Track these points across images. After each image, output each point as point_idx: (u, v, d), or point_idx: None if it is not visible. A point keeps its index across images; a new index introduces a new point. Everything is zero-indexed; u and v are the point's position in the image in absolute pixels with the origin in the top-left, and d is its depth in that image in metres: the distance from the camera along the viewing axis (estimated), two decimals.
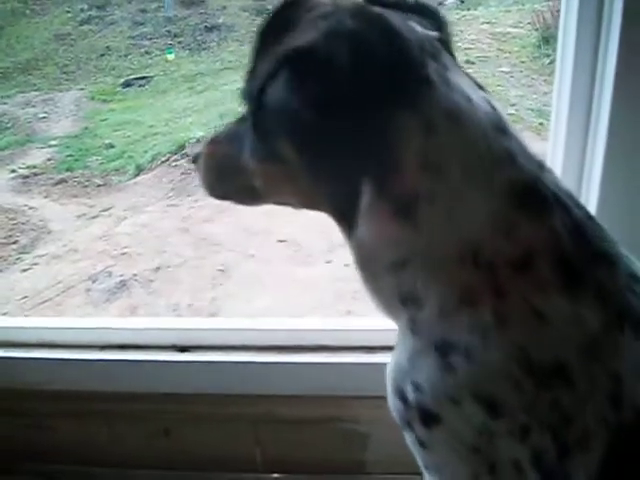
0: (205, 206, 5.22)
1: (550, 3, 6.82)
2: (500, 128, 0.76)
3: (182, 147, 6.18)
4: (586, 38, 1.26)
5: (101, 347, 1.70)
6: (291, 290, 4.12)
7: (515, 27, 7.57)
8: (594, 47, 1.26)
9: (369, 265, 0.81)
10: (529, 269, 0.72)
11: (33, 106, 8.08)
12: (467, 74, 0.82)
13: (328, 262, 4.33)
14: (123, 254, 4.80)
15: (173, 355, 1.66)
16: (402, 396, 0.78)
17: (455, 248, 0.73)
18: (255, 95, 0.78)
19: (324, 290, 4.07)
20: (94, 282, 4.48)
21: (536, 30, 7.11)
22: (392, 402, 0.82)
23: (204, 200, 5.35)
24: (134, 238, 5.00)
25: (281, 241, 4.63)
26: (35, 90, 8.54)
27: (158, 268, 4.57)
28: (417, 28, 0.79)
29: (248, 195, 0.94)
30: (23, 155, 6.87)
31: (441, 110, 0.73)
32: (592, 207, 1.31)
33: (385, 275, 0.78)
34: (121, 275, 4.51)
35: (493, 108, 0.78)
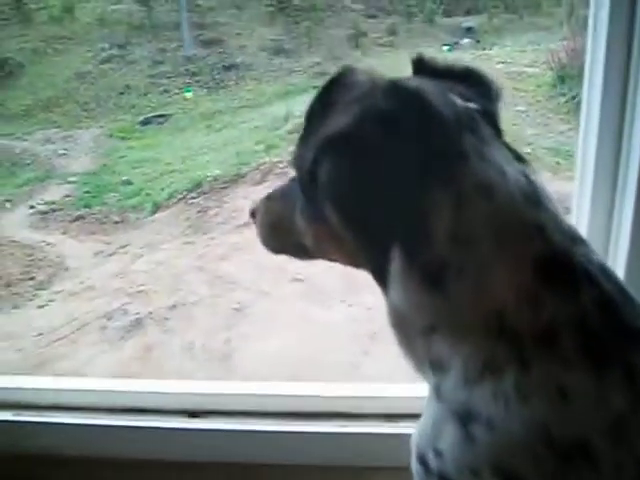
0: (221, 244, 5.24)
1: (565, 43, 6.85)
2: (533, 201, 0.77)
3: (199, 185, 6.23)
4: (614, 75, 1.25)
5: (109, 410, 1.65)
6: (306, 330, 4.10)
7: (530, 66, 7.62)
8: (623, 83, 1.24)
9: (402, 327, 0.81)
10: (554, 344, 0.71)
11: (53, 143, 8.19)
12: (507, 145, 0.83)
13: (344, 303, 4.31)
14: (139, 292, 4.81)
15: (183, 422, 1.62)
16: (424, 462, 0.78)
17: (481, 316, 0.72)
18: (304, 175, 0.85)
19: (340, 331, 4.05)
20: (109, 320, 4.48)
21: (551, 69, 7.15)
22: (414, 467, 0.81)
23: (220, 238, 5.37)
24: (150, 276, 5.01)
25: (297, 280, 4.62)
26: (55, 127, 8.67)
27: (174, 306, 4.57)
28: (457, 101, 0.81)
29: (300, 251, 1.00)
30: (42, 191, 6.94)
31: (473, 184, 0.75)
32: (622, 255, 1.28)
33: (417, 338, 0.79)
34: (137, 313, 4.52)
35: (528, 180, 0.78)
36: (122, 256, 5.44)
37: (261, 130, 7.36)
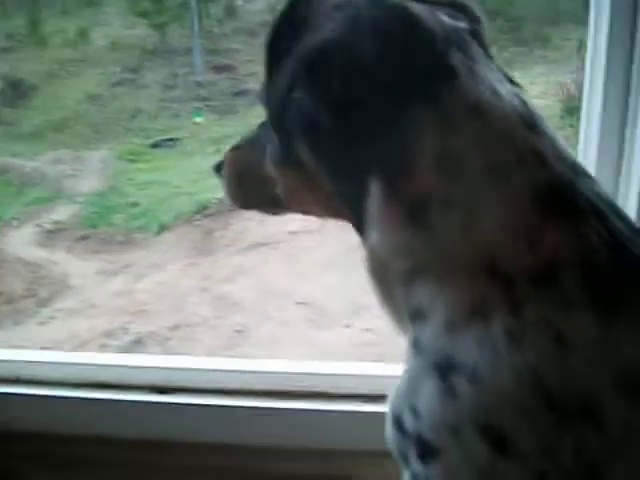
0: (225, 266, 5.21)
1: (574, 76, 6.87)
2: (530, 125, 0.70)
3: (205, 207, 6.21)
4: (612, 109, 1.23)
5: (75, 385, 1.60)
6: (309, 354, 4.05)
7: (540, 98, 7.62)
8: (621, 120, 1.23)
9: (380, 273, 0.74)
10: (552, 283, 0.62)
11: (62, 163, 8.21)
12: (499, 68, 0.76)
13: (347, 326, 4.26)
14: (141, 311, 4.78)
15: (152, 397, 1.56)
16: (399, 424, 0.69)
17: (470, 256, 0.65)
18: (275, 105, 0.77)
19: (342, 355, 4.00)
20: (110, 338, 4.44)
21: (560, 101, 7.16)
22: (389, 433, 0.72)
23: (224, 260, 5.34)
24: (153, 295, 4.98)
25: (300, 303, 4.57)
26: (65, 148, 8.70)
27: (175, 326, 4.53)
28: (444, 18, 0.74)
29: (271, 204, 0.92)
30: (49, 210, 6.95)
31: (462, 103, 0.67)
32: None
33: (396, 285, 0.71)
34: (137, 332, 4.48)
35: (524, 103, 0.72)
36: (126, 275, 5.41)
37: None
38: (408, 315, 0.71)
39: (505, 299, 0.63)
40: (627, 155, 1.24)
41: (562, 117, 7.02)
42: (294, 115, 0.73)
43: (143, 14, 12.31)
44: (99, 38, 11.08)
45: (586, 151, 1.31)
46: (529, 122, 0.70)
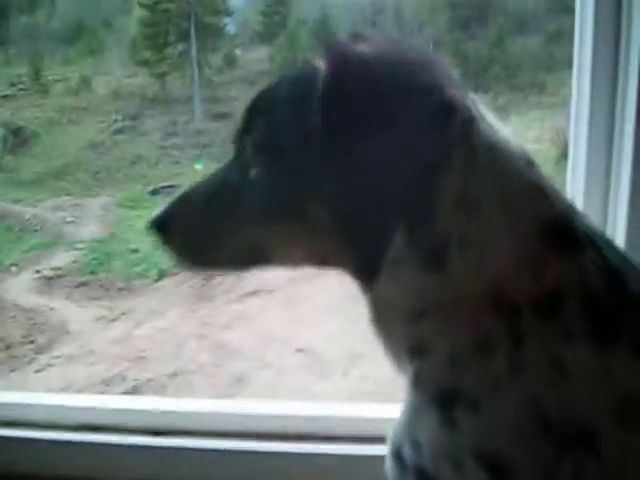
0: (224, 312, 5.20)
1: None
2: (532, 164, 0.74)
3: None
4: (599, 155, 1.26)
5: (69, 428, 1.59)
6: (308, 402, 4.02)
7: (536, 143, 7.69)
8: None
9: (386, 315, 0.76)
10: (555, 313, 0.65)
11: (63, 210, 8.26)
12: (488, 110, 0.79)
13: (345, 374, 4.24)
14: (140, 358, 4.75)
15: (147, 439, 1.55)
16: (399, 458, 0.70)
17: (478, 290, 0.68)
18: (284, 155, 0.75)
19: (342, 402, 3.97)
20: (107, 386, 4.41)
21: (555, 146, 7.23)
22: (389, 467, 0.73)
23: (223, 307, 5.33)
24: (151, 342, 4.96)
25: (299, 350, 4.56)
26: (66, 195, 8.75)
27: (173, 374, 4.51)
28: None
29: (246, 259, 0.85)
30: (49, 257, 6.96)
31: (482, 145, 0.71)
32: None
33: (399, 325, 0.74)
34: (135, 379, 4.45)
35: (519, 144, 0.75)
36: (124, 322, 5.40)
37: None
38: (408, 352, 0.73)
39: (509, 332, 0.65)
40: (613, 194, 1.25)
41: (558, 162, 7.08)
42: (310, 172, 0.71)
43: (144, 63, 12.49)
44: (100, 86, 11.22)
45: (574, 195, 1.33)
46: (531, 161, 0.74)
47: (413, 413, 0.70)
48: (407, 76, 0.69)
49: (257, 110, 0.81)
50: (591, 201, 1.27)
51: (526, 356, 0.64)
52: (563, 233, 0.70)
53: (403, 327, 0.73)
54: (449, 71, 0.75)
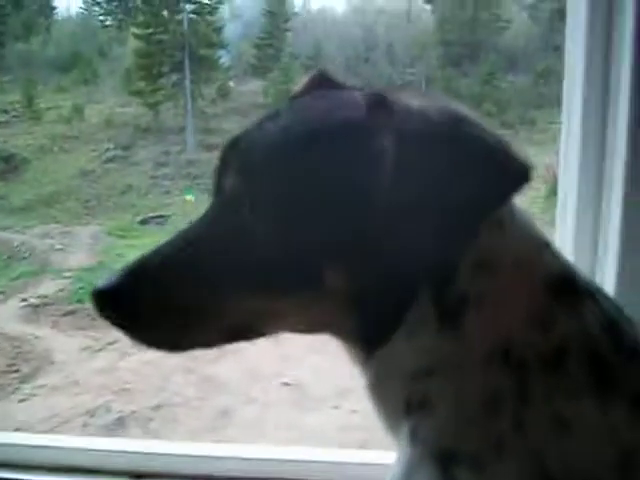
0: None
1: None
2: (533, 221, 0.74)
3: None
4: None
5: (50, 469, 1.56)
6: (293, 437, 3.99)
7: None
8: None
9: (388, 376, 0.72)
10: (560, 368, 0.65)
11: (51, 238, 8.25)
12: None
13: (335, 408, 4.21)
14: (124, 390, 4.71)
15: None
16: None
17: (490, 350, 0.66)
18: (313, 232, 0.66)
19: (328, 438, 3.94)
20: (92, 417, 4.36)
21: (545, 183, 7.30)
22: None
23: None
24: (137, 374, 4.92)
25: (286, 384, 4.53)
26: (55, 222, 8.75)
27: (158, 406, 4.47)
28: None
29: (228, 338, 0.72)
30: (36, 285, 6.93)
31: (507, 207, 0.70)
32: None
33: (401, 382, 0.70)
34: (120, 411, 4.40)
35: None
36: (110, 353, 5.35)
37: None
38: (405, 407, 0.70)
39: (516, 389, 0.64)
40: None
41: (547, 198, 7.15)
42: (345, 236, 0.66)
43: (138, 93, 12.57)
44: (93, 115, 11.29)
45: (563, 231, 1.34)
46: (532, 219, 0.75)
47: (409, 469, 0.67)
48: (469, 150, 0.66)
49: (262, 160, 0.68)
50: (581, 239, 1.27)
51: (531, 413, 0.63)
52: (567, 287, 0.70)
53: (405, 384, 0.70)
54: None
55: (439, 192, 0.62)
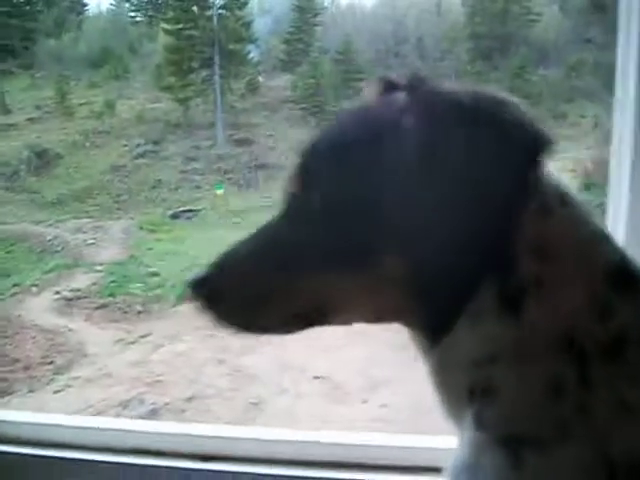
0: (242, 338, 5.19)
1: (590, 152, 6.95)
2: (591, 210, 0.74)
3: None
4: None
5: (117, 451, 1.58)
6: (324, 429, 3.99)
7: (557, 174, 7.69)
8: None
9: (452, 364, 0.73)
10: (619, 356, 0.66)
11: (84, 232, 8.34)
12: None
13: (364, 402, 4.21)
14: (157, 382, 4.75)
15: (195, 464, 1.54)
16: None
17: (552, 337, 0.68)
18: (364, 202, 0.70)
19: (359, 431, 3.94)
20: (125, 408, 4.41)
21: (577, 178, 7.24)
22: None
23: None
24: (169, 366, 4.96)
25: (317, 377, 4.54)
26: (87, 217, 8.85)
27: (191, 398, 4.50)
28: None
29: (302, 320, 0.77)
30: (69, 278, 7.01)
31: (554, 194, 0.72)
32: None
33: (465, 370, 0.72)
34: (153, 403, 4.44)
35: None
36: (142, 345, 5.41)
37: None
38: (468, 393, 0.71)
39: (579, 376, 0.66)
40: None
41: (580, 193, 7.09)
42: (396, 221, 0.69)
43: (168, 89, 12.65)
44: (124, 111, 11.39)
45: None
46: (590, 208, 0.75)
47: (475, 453, 0.69)
48: (504, 125, 0.69)
49: (319, 162, 0.75)
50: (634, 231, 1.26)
51: (593, 399, 0.65)
52: (627, 276, 0.70)
53: (469, 372, 0.72)
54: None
55: (465, 173, 0.66)
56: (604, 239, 0.72)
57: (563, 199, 0.72)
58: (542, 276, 0.68)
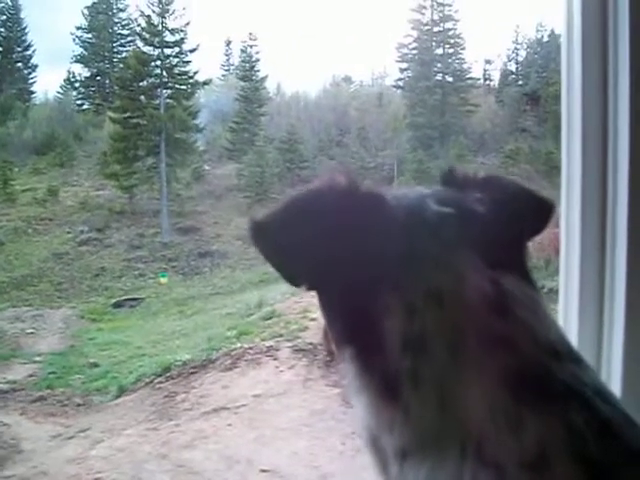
0: (186, 431, 5.06)
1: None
2: (498, 310, 0.67)
3: (167, 369, 6.12)
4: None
5: None
6: None
7: None
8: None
9: (375, 448, 0.67)
10: (545, 471, 0.59)
11: (22, 321, 8.10)
12: (483, 247, 0.71)
13: None
14: (96, 479, 4.56)
15: None
16: None
17: (455, 441, 0.62)
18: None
19: None
20: None
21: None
22: None
23: (185, 424, 5.20)
24: (109, 462, 4.77)
25: (264, 471, 4.43)
26: (27, 305, 8.63)
27: None
28: (431, 206, 0.72)
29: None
30: (5, 369, 6.77)
31: (422, 292, 0.67)
32: None
33: (391, 465, 0.65)
34: None
35: (498, 287, 0.68)
36: (81, 440, 5.20)
37: (233, 316, 7.37)
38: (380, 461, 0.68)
39: None
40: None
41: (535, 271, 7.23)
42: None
43: (113, 176, 12.64)
44: (68, 197, 11.33)
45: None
46: (498, 307, 0.70)
47: None
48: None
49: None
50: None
51: None
52: (536, 385, 0.64)
53: (393, 466, 0.69)
54: None
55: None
56: (502, 343, 0.64)
57: (438, 301, 0.69)
58: (415, 371, 0.66)
